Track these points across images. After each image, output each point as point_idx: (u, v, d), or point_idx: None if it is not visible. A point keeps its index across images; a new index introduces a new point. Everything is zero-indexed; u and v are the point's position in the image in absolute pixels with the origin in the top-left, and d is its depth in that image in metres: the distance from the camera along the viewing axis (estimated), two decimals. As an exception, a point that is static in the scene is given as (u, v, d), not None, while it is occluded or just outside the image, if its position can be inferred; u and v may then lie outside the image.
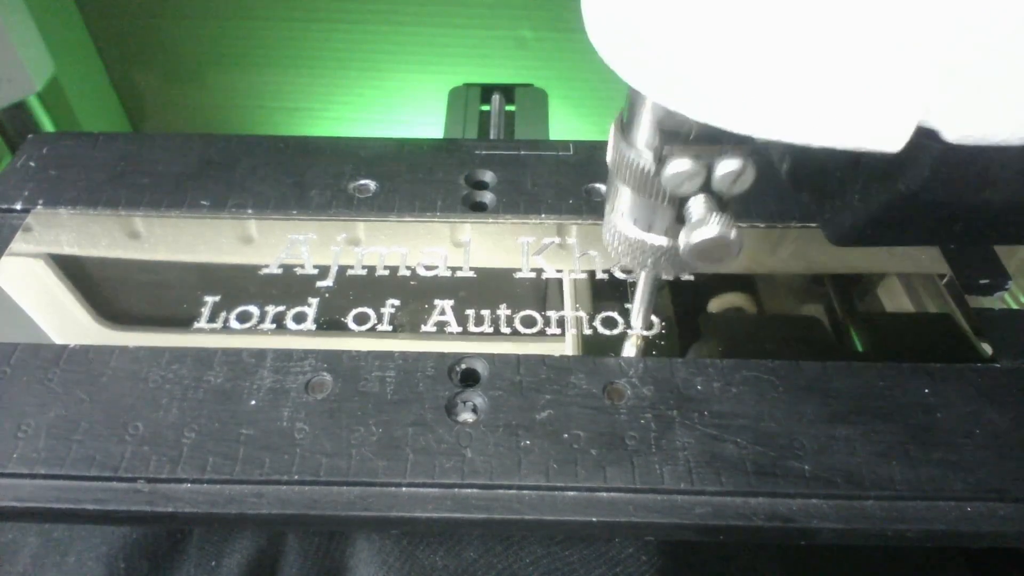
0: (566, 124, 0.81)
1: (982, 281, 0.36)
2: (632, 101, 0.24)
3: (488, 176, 0.41)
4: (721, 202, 0.24)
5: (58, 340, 0.32)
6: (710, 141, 0.23)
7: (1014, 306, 0.35)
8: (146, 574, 0.34)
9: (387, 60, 0.78)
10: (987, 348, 0.32)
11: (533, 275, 0.36)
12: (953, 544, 0.35)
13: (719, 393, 0.30)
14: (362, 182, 0.40)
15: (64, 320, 0.33)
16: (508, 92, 0.70)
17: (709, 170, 0.23)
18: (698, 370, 0.31)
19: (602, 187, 0.40)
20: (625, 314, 0.34)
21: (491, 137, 0.65)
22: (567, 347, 0.32)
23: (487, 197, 0.40)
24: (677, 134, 0.23)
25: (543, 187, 0.40)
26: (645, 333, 0.33)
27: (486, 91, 0.71)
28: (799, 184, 0.26)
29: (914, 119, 0.18)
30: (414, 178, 0.41)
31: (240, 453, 0.28)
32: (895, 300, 0.35)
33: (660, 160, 0.23)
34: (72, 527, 0.35)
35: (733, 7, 0.17)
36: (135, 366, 0.31)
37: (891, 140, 0.19)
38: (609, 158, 0.26)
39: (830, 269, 0.36)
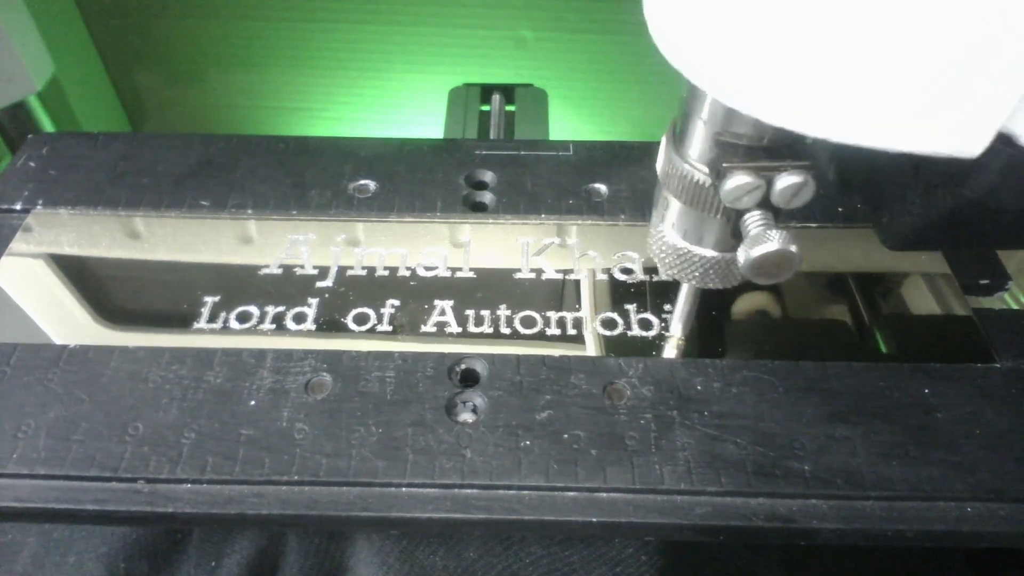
0: (566, 124, 0.81)
1: (982, 281, 0.36)
2: (687, 112, 0.24)
3: (488, 176, 0.41)
4: (778, 215, 0.24)
5: (58, 340, 0.32)
6: (767, 155, 0.22)
7: (1014, 306, 0.35)
8: (146, 574, 0.34)
9: (387, 60, 0.78)
10: (987, 348, 0.32)
11: (533, 275, 0.36)
12: (953, 544, 0.35)
13: (719, 393, 0.30)
14: (362, 182, 0.40)
15: (64, 320, 0.33)
16: (508, 92, 0.70)
17: (768, 184, 0.22)
18: (698, 370, 0.31)
19: (601, 187, 0.40)
20: (625, 314, 0.34)
21: (491, 137, 0.65)
22: (568, 347, 0.32)
23: (487, 197, 0.40)
24: (735, 148, 0.23)
25: (543, 187, 0.40)
26: (682, 339, 0.33)
27: (486, 91, 0.71)
28: (849, 188, 0.26)
29: (996, 125, 0.18)
30: (414, 178, 0.41)
31: (240, 453, 0.28)
32: (895, 300, 0.35)
33: (718, 174, 0.23)
34: (72, 527, 0.35)
35: (812, 4, 0.17)
36: (135, 366, 0.31)
37: (970, 145, 0.18)
38: (660, 169, 0.26)
39: (830, 270, 0.36)
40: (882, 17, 0.17)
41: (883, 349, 0.33)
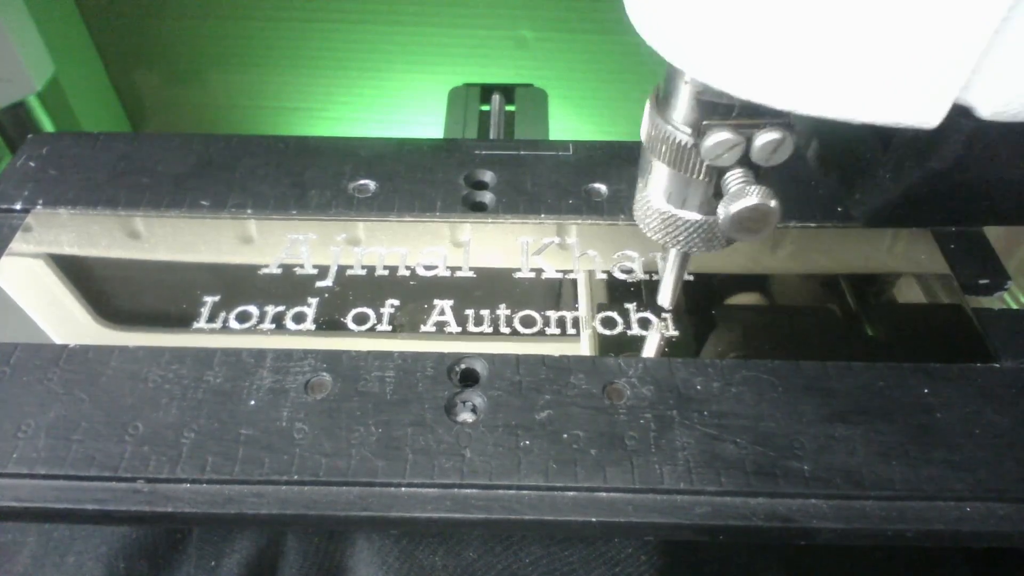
0: (566, 124, 0.81)
1: (982, 281, 0.36)
2: (669, 77, 0.24)
3: (488, 176, 0.41)
4: (758, 174, 0.24)
5: (58, 340, 0.32)
6: (747, 113, 0.23)
7: (1014, 306, 0.35)
8: (146, 574, 0.34)
9: (387, 60, 0.78)
10: (987, 348, 0.32)
11: (533, 275, 0.36)
12: (953, 544, 0.35)
13: (719, 393, 0.30)
14: (362, 182, 0.40)
15: (64, 320, 0.33)
16: (508, 92, 0.70)
17: (748, 142, 0.23)
18: (698, 370, 0.31)
19: (602, 187, 0.40)
20: (625, 314, 0.34)
21: (491, 137, 0.65)
22: (567, 347, 0.32)
23: (487, 197, 0.40)
24: (716, 107, 0.23)
25: (543, 187, 0.40)
26: (670, 310, 0.33)
27: (486, 91, 0.71)
28: (826, 167, 0.27)
29: (951, 95, 0.18)
30: (414, 178, 0.41)
31: (240, 453, 0.28)
32: (895, 300, 0.35)
33: (699, 133, 0.23)
34: (72, 527, 0.35)
35: None
36: (135, 366, 0.31)
37: (929, 116, 0.19)
38: (644, 134, 0.26)
39: (830, 269, 0.36)
40: None
41: (883, 349, 0.33)
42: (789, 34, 0.18)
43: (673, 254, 0.31)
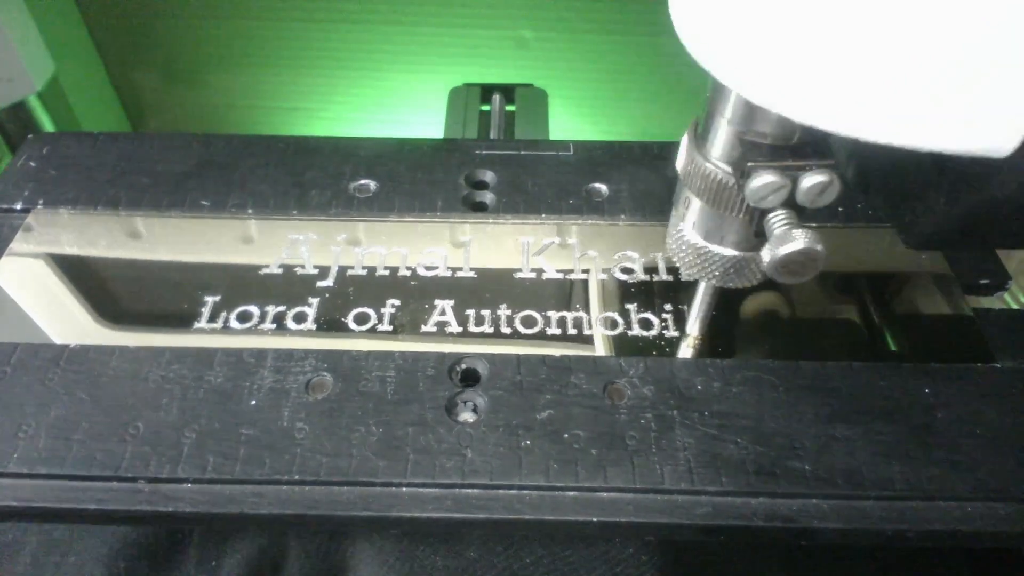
0: (566, 124, 0.81)
1: (982, 281, 0.36)
2: (710, 111, 0.23)
3: (488, 176, 0.41)
4: (802, 214, 0.24)
5: (58, 340, 0.32)
6: (792, 154, 0.22)
7: (1014, 306, 0.35)
8: (146, 574, 0.34)
9: (387, 60, 0.78)
10: (987, 348, 0.32)
11: (533, 275, 0.36)
12: (953, 544, 0.35)
13: (719, 393, 0.30)
14: (362, 182, 0.40)
15: (64, 320, 0.33)
16: (508, 92, 0.70)
17: (794, 183, 0.22)
18: (698, 370, 0.31)
19: (602, 187, 0.40)
20: (625, 314, 0.34)
21: (491, 137, 0.65)
22: (568, 347, 0.32)
23: (487, 197, 0.40)
24: (759, 147, 0.22)
25: (543, 187, 0.40)
26: (699, 339, 0.33)
27: (486, 91, 0.71)
28: (868, 187, 0.26)
29: None
30: (414, 178, 0.41)
31: (240, 453, 0.28)
32: (895, 300, 0.35)
33: (743, 174, 0.23)
34: (72, 527, 0.35)
35: (841, 1, 0.17)
36: (135, 366, 0.31)
37: (1000, 144, 0.18)
38: (680, 168, 0.26)
39: (830, 270, 0.36)
40: (913, 13, 0.16)
41: (883, 349, 0.33)
42: (855, 56, 0.17)
43: (703, 286, 0.31)
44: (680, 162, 0.26)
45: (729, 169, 0.24)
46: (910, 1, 0.16)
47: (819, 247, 0.23)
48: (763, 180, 0.22)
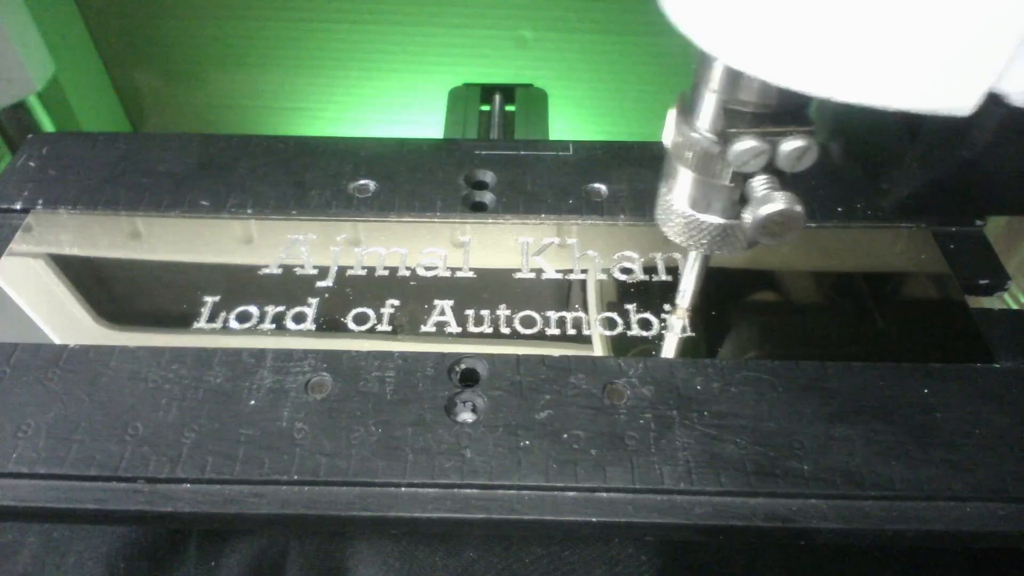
0: (566, 124, 0.81)
1: (982, 281, 0.36)
2: (696, 84, 0.25)
3: (488, 176, 0.41)
4: (782, 180, 0.25)
5: (58, 340, 0.32)
6: (773, 121, 0.24)
7: (1014, 306, 0.35)
8: (146, 574, 0.34)
9: (387, 60, 0.78)
10: (987, 348, 0.32)
11: (533, 275, 0.36)
12: (953, 544, 0.35)
13: (719, 393, 0.30)
14: (362, 182, 0.40)
15: (64, 320, 0.33)
16: (508, 92, 0.70)
17: (774, 149, 0.24)
18: (697, 370, 0.31)
19: (602, 187, 0.40)
20: (625, 314, 0.34)
21: (491, 137, 0.65)
22: (567, 347, 0.32)
23: (487, 197, 0.40)
24: (741, 116, 0.24)
25: (543, 187, 0.40)
26: (688, 311, 0.34)
27: (486, 91, 0.71)
28: (851, 158, 0.27)
29: (987, 82, 0.18)
30: (414, 178, 0.41)
31: (240, 453, 0.28)
32: (895, 300, 0.35)
33: (726, 140, 0.24)
34: (72, 527, 0.35)
35: None
36: (135, 366, 0.31)
37: (962, 102, 0.19)
38: (668, 140, 0.27)
39: (829, 269, 0.36)
40: None
41: (883, 349, 0.33)
42: (825, 18, 0.18)
43: (692, 257, 0.32)
44: (668, 135, 0.27)
45: (714, 137, 0.25)
46: None
47: (798, 208, 0.24)
48: (745, 145, 0.24)
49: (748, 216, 0.25)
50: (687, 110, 0.26)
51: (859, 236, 0.38)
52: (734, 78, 0.23)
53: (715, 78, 0.24)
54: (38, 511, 0.27)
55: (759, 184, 0.25)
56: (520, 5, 0.73)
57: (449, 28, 0.75)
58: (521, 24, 0.74)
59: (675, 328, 0.33)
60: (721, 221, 0.27)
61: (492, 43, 0.76)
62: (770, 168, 0.24)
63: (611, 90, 0.79)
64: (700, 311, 0.34)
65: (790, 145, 0.23)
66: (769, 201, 0.24)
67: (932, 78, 0.18)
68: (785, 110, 0.24)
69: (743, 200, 0.26)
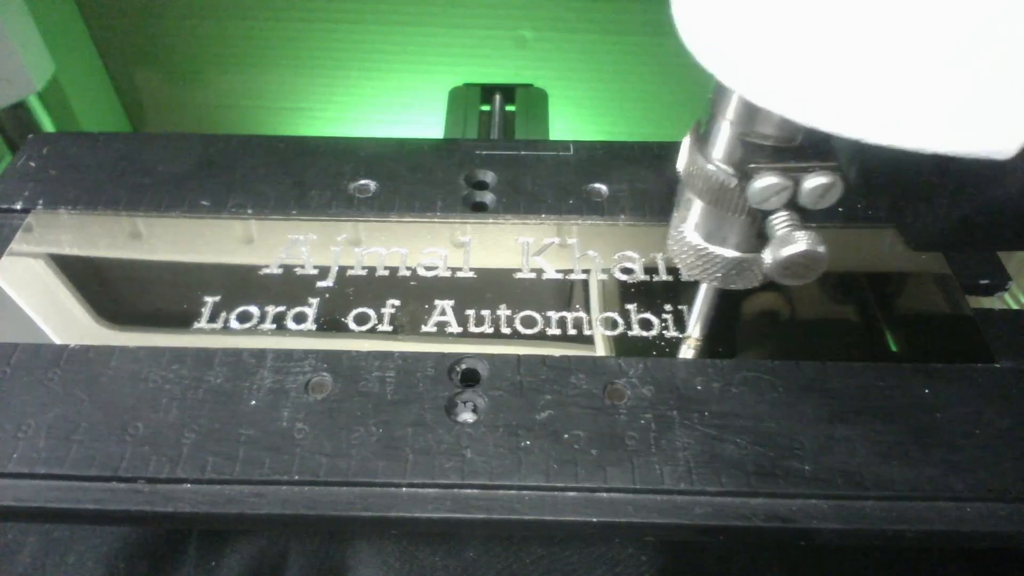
0: (566, 124, 0.81)
1: (982, 281, 0.36)
2: (713, 113, 0.23)
3: (488, 176, 0.41)
4: (804, 216, 0.23)
5: (58, 340, 0.32)
6: (795, 155, 0.22)
7: (1014, 306, 0.35)
8: (146, 574, 0.34)
9: (387, 60, 0.78)
10: (987, 348, 0.32)
11: (533, 275, 0.36)
12: (953, 544, 0.35)
13: (719, 393, 0.30)
14: (362, 182, 0.40)
15: (64, 320, 0.33)
16: (508, 92, 0.70)
17: (796, 185, 0.22)
18: (698, 370, 0.31)
19: (602, 187, 0.40)
20: (625, 314, 0.34)
21: (491, 137, 0.65)
22: (568, 347, 0.32)
23: (487, 197, 0.40)
24: (760, 149, 0.22)
25: (543, 187, 0.40)
26: (699, 340, 0.33)
27: (486, 91, 0.71)
28: (870, 188, 0.26)
29: None
30: (414, 178, 0.41)
31: (240, 453, 0.28)
32: (895, 300, 0.35)
33: (745, 175, 0.23)
34: (72, 527, 0.35)
35: (845, 3, 0.17)
36: (135, 366, 0.31)
37: (1005, 146, 0.18)
38: (682, 169, 0.25)
39: (830, 270, 0.36)
40: (916, 15, 0.16)
41: (883, 349, 0.33)
42: (860, 58, 0.17)
43: (703, 287, 0.31)
44: (681, 164, 0.25)
45: (731, 170, 0.23)
46: (913, 2, 0.16)
47: (821, 248, 0.23)
48: (766, 182, 0.22)
49: (768, 257, 0.23)
50: (702, 139, 0.24)
51: (859, 236, 0.38)
52: (754, 110, 0.22)
53: (733, 109, 0.22)
54: (38, 511, 0.27)
55: (779, 222, 0.23)
56: (520, 5, 0.73)
57: (449, 28, 0.75)
58: (521, 24, 0.74)
59: (661, 332, 0.33)
60: (737, 255, 0.26)
61: (492, 43, 0.76)
62: (791, 204, 0.23)
63: (611, 90, 0.79)
64: (701, 312, 0.34)
65: (813, 182, 0.22)
66: (790, 242, 0.23)
67: (974, 120, 0.17)
68: (807, 144, 0.22)
69: (760, 235, 0.24)
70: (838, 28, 0.17)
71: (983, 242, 0.24)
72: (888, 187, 0.25)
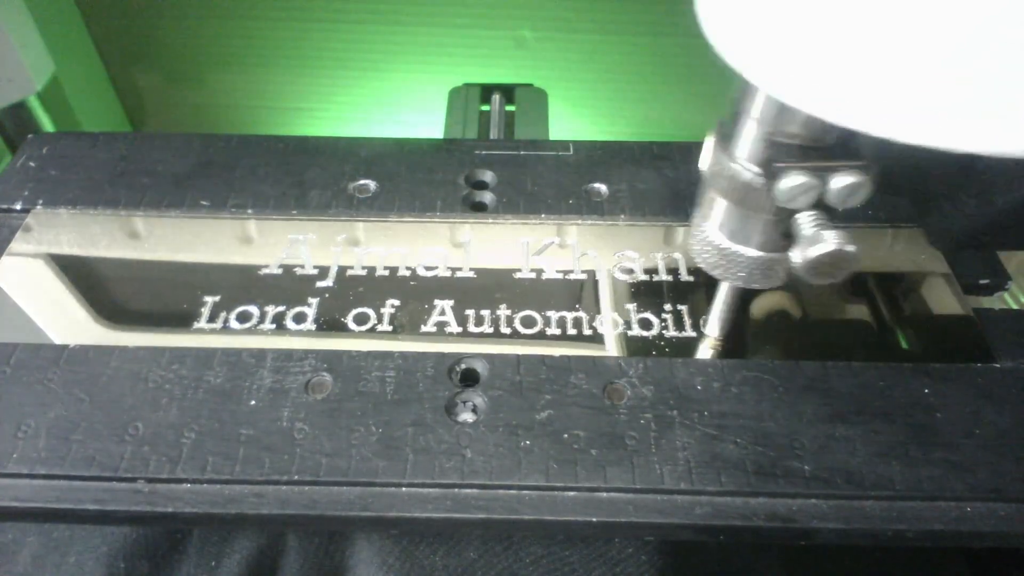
0: (566, 124, 0.81)
1: (982, 281, 0.36)
2: (738, 111, 0.23)
3: (488, 176, 0.41)
4: (831, 215, 0.23)
5: (58, 340, 0.32)
6: (822, 154, 0.22)
7: (1014, 306, 0.35)
8: (146, 574, 0.34)
9: (387, 60, 0.78)
10: (987, 348, 0.32)
11: (533, 275, 0.36)
12: (953, 544, 0.35)
13: (719, 393, 0.30)
14: (362, 182, 0.40)
15: (64, 320, 0.33)
16: (508, 92, 0.70)
17: (823, 184, 0.22)
18: (698, 370, 0.31)
19: (602, 187, 0.40)
20: (625, 314, 0.34)
21: (491, 137, 0.65)
22: (567, 347, 0.32)
23: (487, 197, 0.40)
24: (787, 148, 0.22)
25: (543, 187, 0.40)
26: (720, 340, 0.32)
27: (486, 91, 0.71)
28: (896, 187, 0.25)
29: None
30: (414, 178, 0.41)
31: (240, 453, 0.28)
32: (895, 300, 0.35)
33: (771, 174, 0.22)
34: (72, 527, 0.35)
35: (878, 2, 0.16)
36: (135, 366, 0.31)
37: None
38: (706, 169, 0.25)
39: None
40: (948, 13, 0.16)
41: (883, 349, 0.33)
42: (890, 56, 0.17)
43: (726, 287, 0.31)
44: (705, 163, 0.25)
45: (757, 170, 0.23)
46: (948, 3, 0.16)
47: (850, 247, 0.22)
48: (794, 181, 0.22)
49: (797, 257, 0.23)
50: (727, 138, 0.24)
51: (859, 236, 0.38)
52: (781, 108, 0.21)
53: (759, 107, 0.22)
54: (38, 511, 0.27)
55: (806, 222, 0.23)
56: (520, 5, 0.73)
57: (449, 28, 0.75)
58: (521, 24, 0.74)
59: (661, 332, 0.33)
60: (761, 255, 0.26)
61: (492, 43, 0.76)
62: (818, 203, 0.23)
63: (611, 90, 0.79)
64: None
65: (841, 181, 0.22)
66: (819, 241, 0.22)
67: (1005, 119, 0.17)
68: (835, 142, 0.22)
69: (786, 234, 0.24)
70: (867, 25, 0.17)
71: (1006, 241, 0.24)
72: (912, 188, 0.24)
